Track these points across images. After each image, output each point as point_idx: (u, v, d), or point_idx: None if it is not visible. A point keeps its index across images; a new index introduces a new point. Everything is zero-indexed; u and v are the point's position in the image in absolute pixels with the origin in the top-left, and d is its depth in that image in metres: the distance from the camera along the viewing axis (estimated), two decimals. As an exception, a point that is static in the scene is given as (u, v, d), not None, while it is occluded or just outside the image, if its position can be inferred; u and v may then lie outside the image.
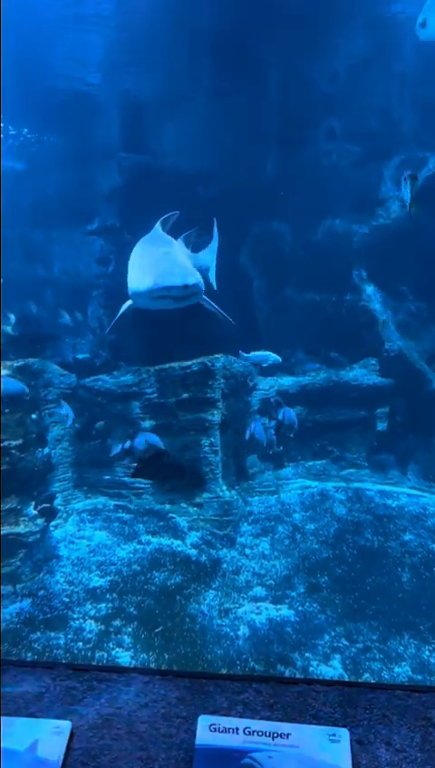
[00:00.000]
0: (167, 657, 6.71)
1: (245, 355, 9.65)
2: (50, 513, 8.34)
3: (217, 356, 9.38)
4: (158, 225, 7.72)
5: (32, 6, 9.85)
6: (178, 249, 7.26)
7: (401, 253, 10.56)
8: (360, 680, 6.61)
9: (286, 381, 10.15)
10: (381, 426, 10.08)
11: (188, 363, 9.34)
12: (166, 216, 7.81)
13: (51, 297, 14.70)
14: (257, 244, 12.30)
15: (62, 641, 6.89)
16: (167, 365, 9.51)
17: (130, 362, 9.98)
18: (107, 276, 12.28)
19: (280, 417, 8.77)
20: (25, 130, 13.64)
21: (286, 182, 11.51)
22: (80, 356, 11.11)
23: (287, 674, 6.73)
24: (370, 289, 10.77)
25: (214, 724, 2.19)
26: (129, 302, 7.48)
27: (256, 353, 9.67)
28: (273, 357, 9.64)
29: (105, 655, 6.75)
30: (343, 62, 9.60)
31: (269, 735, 2.16)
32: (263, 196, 11.42)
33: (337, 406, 10.07)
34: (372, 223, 10.94)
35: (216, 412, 9.10)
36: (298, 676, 6.70)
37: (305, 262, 11.70)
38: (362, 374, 10.13)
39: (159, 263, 6.80)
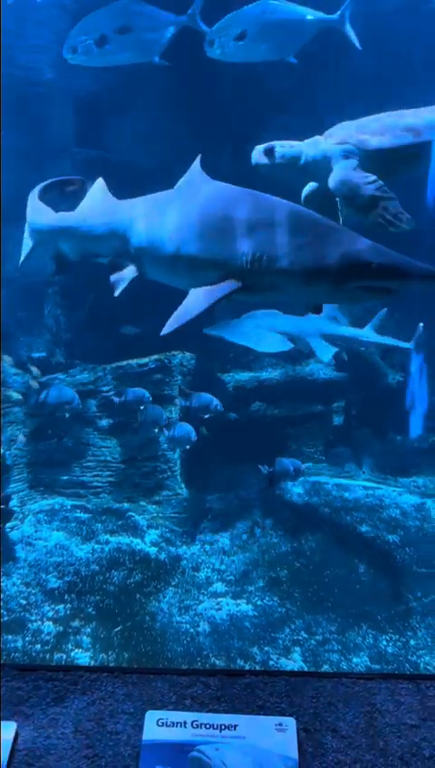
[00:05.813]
0: (126, 655, 6.68)
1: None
2: (5, 515, 8.20)
3: (173, 353, 9.36)
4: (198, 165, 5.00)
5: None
6: None
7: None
8: (319, 671, 6.68)
9: (243, 376, 10.19)
10: (338, 420, 10.20)
11: (145, 360, 9.30)
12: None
13: (6, 296, 14.42)
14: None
15: (19, 644, 6.80)
16: (124, 362, 9.45)
17: (86, 360, 9.86)
18: (63, 274, 12.09)
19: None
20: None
21: (243, 180, 11.52)
22: (35, 354, 10.92)
23: (248, 668, 6.76)
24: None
25: (161, 719, 2.20)
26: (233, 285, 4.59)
27: None
28: None
29: (64, 656, 6.68)
30: (296, 60, 9.64)
31: (217, 728, 2.18)
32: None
33: (294, 400, 10.14)
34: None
35: (173, 409, 9.09)
36: (258, 669, 6.74)
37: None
38: (318, 368, 10.23)
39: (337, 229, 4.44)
